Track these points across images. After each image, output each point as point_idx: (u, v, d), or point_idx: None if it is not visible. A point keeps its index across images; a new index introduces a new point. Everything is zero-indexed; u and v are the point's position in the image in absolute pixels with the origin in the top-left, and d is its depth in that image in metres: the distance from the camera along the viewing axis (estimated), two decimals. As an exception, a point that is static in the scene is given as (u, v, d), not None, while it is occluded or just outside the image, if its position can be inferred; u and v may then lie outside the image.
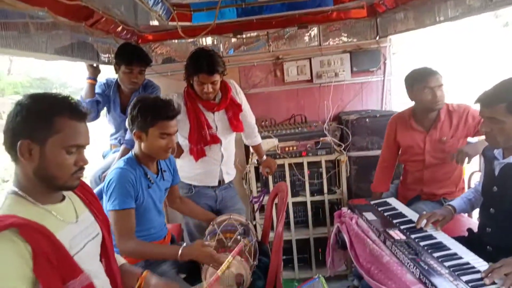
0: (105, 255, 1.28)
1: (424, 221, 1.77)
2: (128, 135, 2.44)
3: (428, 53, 7.84)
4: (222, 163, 2.29)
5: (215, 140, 2.19)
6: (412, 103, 2.22)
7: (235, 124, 2.25)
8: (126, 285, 1.36)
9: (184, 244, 1.76)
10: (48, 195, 1.11)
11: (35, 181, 1.06)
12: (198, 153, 2.18)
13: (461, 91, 5.19)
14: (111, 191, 1.67)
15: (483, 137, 1.72)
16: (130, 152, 1.83)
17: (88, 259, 1.15)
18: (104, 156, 2.58)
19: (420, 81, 2.07)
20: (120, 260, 1.46)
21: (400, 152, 2.37)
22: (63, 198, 1.17)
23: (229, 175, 2.38)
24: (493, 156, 1.64)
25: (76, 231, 1.14)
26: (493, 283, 1.31)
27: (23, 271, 0.95)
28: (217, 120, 2.22)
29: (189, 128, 2.16)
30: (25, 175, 1.07)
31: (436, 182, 2.23)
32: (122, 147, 2.33)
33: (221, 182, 2.32)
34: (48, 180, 1.07)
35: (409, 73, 2.17)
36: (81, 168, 1.12)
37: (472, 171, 2.33)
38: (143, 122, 1.68)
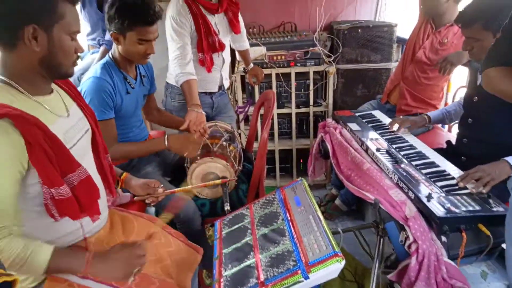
0: (95, 150, 1.26)
1: (397, 125, 1.92)
2: (107, 36, 2.29)
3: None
4: (223, 69, 2.22)
5: (222, 46, 2.08)
6: None
7: (237, 25, 2.14)
8: None
9: (167, 135, 1.75)
10: (39, 86, 1.05)
11: (36, 69, 1.01)
12: (211, 62, 2.07)
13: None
14: (88, 102, 1.58)
15: None
16: (107, 54, 1.71)
17: (82, 155, 1.14)
18: (82, 58, 2.44)
19: None
20: None
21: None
22: (52, 90, 1.12)
23: (227, 80, 2.34)
24: (478, 66, 1.62)
25: (69, 125, 1.11)
26: (465, 188, 1.39)
27: (16, 163, 0.93)
28: (217, 23, 2.08)
29: (197, 36, 1.99)
30: (20, 63, 0.99)
31: (415, 82, 2.29)
32: (102, 48, 2.20)
33: (220, 88, 2.28)
34: (53, 67, 1.02)
35: None
36: (78, 56, 1.10)
37: (459, 86, 2.34)
38: (120, 24, 1.54)
